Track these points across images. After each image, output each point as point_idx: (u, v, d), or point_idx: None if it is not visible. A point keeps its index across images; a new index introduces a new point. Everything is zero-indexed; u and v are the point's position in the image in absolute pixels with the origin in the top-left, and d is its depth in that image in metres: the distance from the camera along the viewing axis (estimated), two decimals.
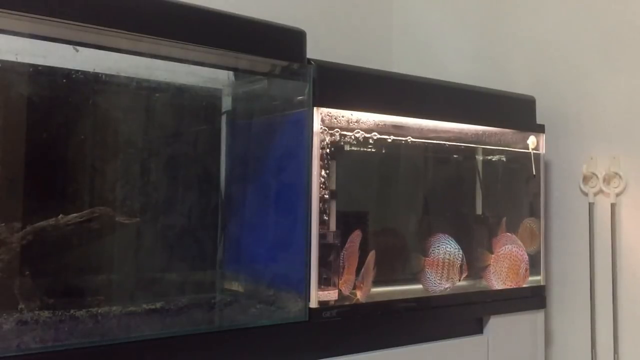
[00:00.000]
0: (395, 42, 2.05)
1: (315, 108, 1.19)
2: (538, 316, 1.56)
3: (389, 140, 1.33)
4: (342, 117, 1.24)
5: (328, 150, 1.20)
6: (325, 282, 1.18)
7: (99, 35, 1.02)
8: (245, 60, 1.21)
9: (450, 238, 1.40)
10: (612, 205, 1.53)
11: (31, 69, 1.12)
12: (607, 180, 1.54)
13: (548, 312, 1.63)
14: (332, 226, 1.20)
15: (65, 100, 1.18)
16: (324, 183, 1.19)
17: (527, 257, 1.51)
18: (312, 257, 1.17)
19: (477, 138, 1.51)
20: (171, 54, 1.13)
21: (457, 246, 1.40)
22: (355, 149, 1.28)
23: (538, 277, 1.56)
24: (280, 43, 1.20)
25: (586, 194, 1.58)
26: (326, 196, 1.19)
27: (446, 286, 1.38)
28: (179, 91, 1.31)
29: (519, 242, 1.52)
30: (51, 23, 0.95)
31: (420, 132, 1.39)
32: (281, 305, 1.20)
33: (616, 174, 1.53)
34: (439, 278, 1.37)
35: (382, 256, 1.30)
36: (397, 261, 1.41)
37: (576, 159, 1.61)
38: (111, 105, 1.24)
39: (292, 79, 1.24)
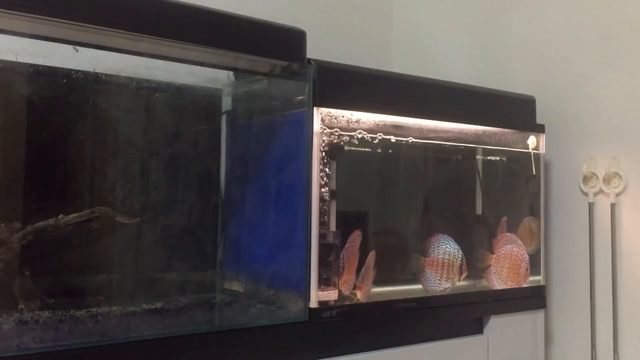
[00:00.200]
0: (395, 42, 2.05)
1: (315, 108, 1.19)
2: (538, 316, 1.56)
3: (389, 140, 1.33)
4: (342, 117, 1.24)
5: (328, 150, 1.20)
6: (325, 282, 1.18)
7: (99, 35, 1.01)
8: (245, 60, 1.21)
9: (449, 238, 1.40)
10: (612, 205, 1.53)
11: (31, 69, 1.12)
12: (607, 180, 1.54)
13: (548, 312, 1.63)
14: (332, 226, 1.20)
15: (65, 100, 1.18)
16: (324, 183, 1.19)
17: (527, 256, 1.52)
18: (312, 257, 1.17)
19: (477, 138, 1.51)
20: (171, 54, 1.13)
21: (456, 246, 1.40)
22: (355, 149, 1.28)
23: (538, 277, 1.56)
24: (280, 43, 1.20)
25: (586, 194, 1.58)
26: (326, 196, 1.19)
27: (446, 286, 1.38)
28: (179, 91, 1.31)
29: (519, 241, 1.52)
30: (51, 23, 0.95)
31: (420, 132, 1.39)
32: (281, 305, 1.20)
33: (616, 174, 1.53)
34: (438, 278, 1.37)
35: (382, 256, 1.30)
36: (397, 261, 1.41)
37: (576, 159, 1.61)
38: (111, 105, 1.24)
39: (292, 79, 1.24)
